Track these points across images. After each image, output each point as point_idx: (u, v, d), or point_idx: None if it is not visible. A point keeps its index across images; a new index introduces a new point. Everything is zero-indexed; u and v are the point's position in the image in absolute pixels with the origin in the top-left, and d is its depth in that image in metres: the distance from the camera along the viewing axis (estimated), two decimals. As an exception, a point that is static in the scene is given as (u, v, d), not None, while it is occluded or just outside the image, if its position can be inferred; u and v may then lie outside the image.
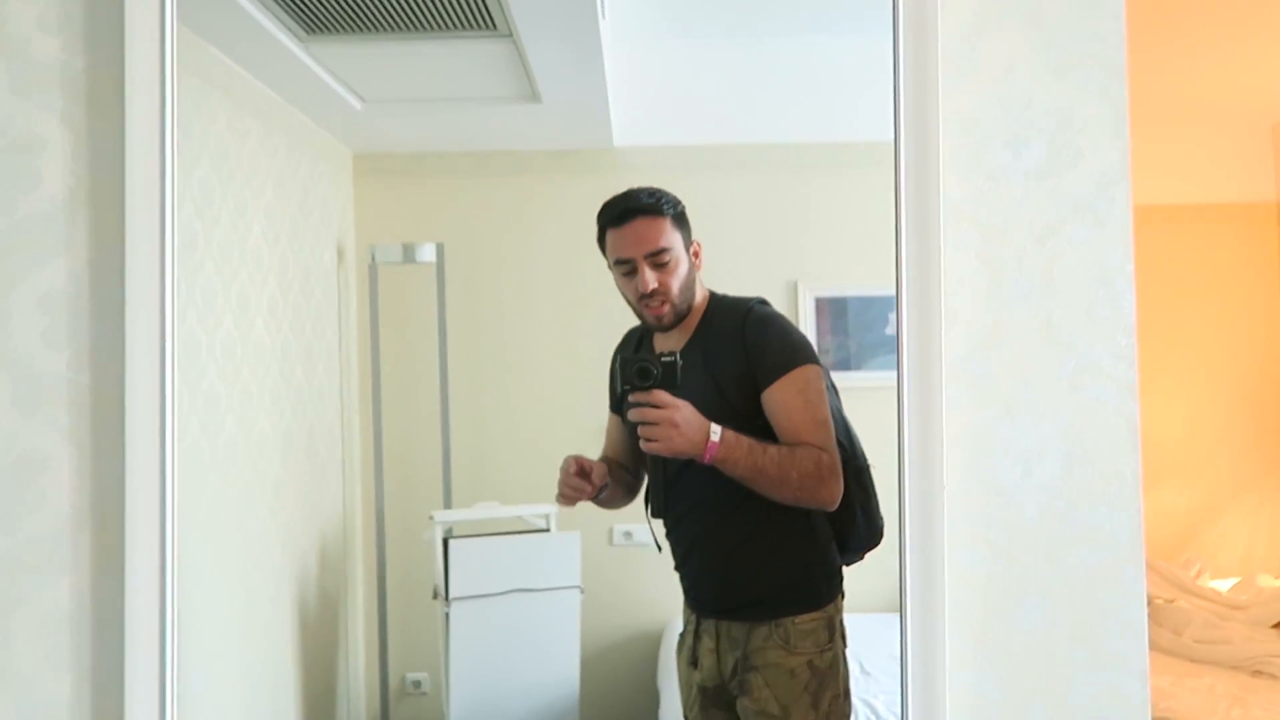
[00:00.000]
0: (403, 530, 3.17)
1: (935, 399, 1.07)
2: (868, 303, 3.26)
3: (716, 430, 1.50)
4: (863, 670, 2.71)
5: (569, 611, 2.86)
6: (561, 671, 2.86)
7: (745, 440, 1.52)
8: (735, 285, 3.56)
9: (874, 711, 2.47)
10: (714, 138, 3.14)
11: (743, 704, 1.65)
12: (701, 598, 1.71)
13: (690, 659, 1.73)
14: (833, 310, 3.31)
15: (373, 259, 2.97)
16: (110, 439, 1.07)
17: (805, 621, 1.64)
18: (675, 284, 1.66)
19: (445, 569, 2.80)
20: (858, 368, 3.29)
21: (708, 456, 1.49)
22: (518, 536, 2.85)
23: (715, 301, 1.75)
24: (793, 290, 3.29)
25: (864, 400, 3.33)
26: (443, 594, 2.81)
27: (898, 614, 3.43)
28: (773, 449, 1.54)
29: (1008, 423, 1.08)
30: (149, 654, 1.00)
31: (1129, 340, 1.05)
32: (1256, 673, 3.08)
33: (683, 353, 1.62)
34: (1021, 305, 1.09)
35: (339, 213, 3.16)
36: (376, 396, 3.19)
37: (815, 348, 3.66)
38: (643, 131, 3.14)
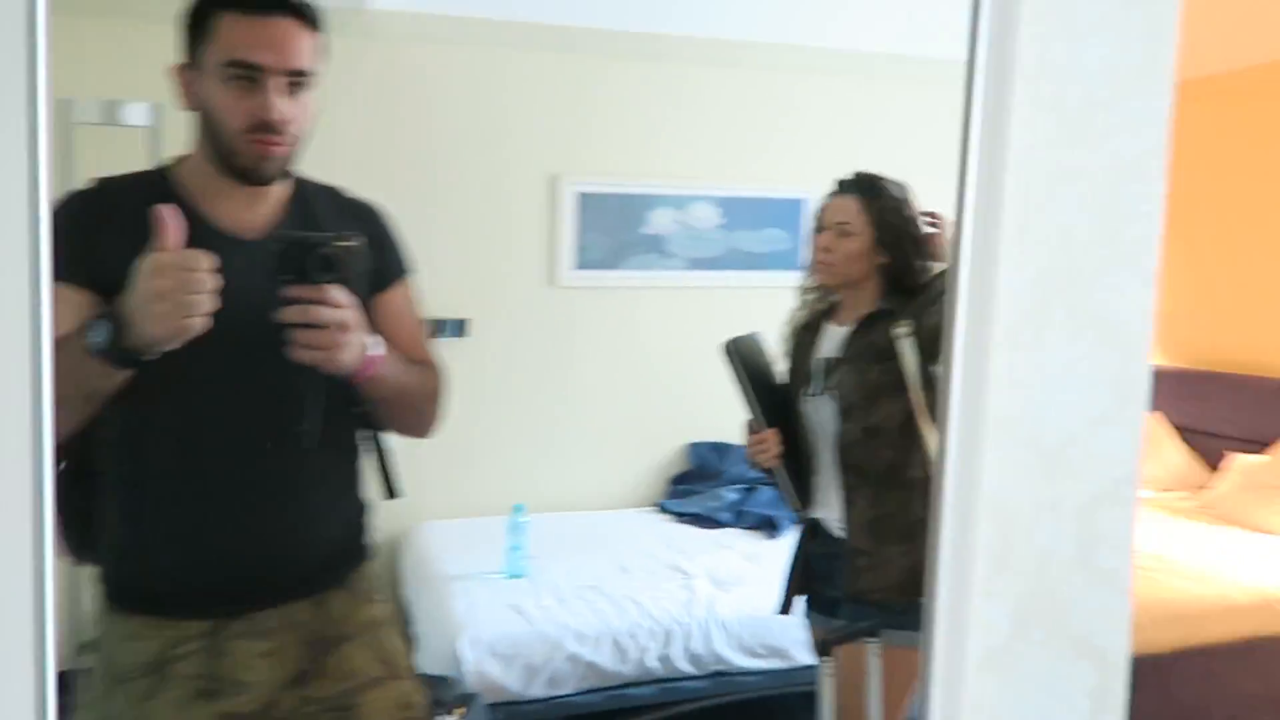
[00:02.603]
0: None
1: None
2: (628, 200, 3.31)
3: (375, 339, 1.18)
4: (622, 569, 2.81)
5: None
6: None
7: (393, 353, 1.22)
8: (490, 176, 3.41)
9: (639, 605, 2.57)
10: (482, 10, 2.95)
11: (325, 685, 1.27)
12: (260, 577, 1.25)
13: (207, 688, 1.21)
14: (594, 206, 3.30)
15: (66, 115, 2.40)
16: None
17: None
18: (304, 125, 1.18)
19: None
20: (614, 266, 3.35)
21: (366, 370, 1.16)
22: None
23: (301, 178, 1.29)
24: (552, 184, 3.24)
25: (622, 300, 3.39)
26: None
27: (647, 508, 3.54)
28: (413, 365, 1.28)
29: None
30: None
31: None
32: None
33: (272, 236, 1.18)
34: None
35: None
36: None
37: (576, 244, 3.45)
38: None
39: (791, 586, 1.87)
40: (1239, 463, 3.27)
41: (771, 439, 1.73)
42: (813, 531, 1.83)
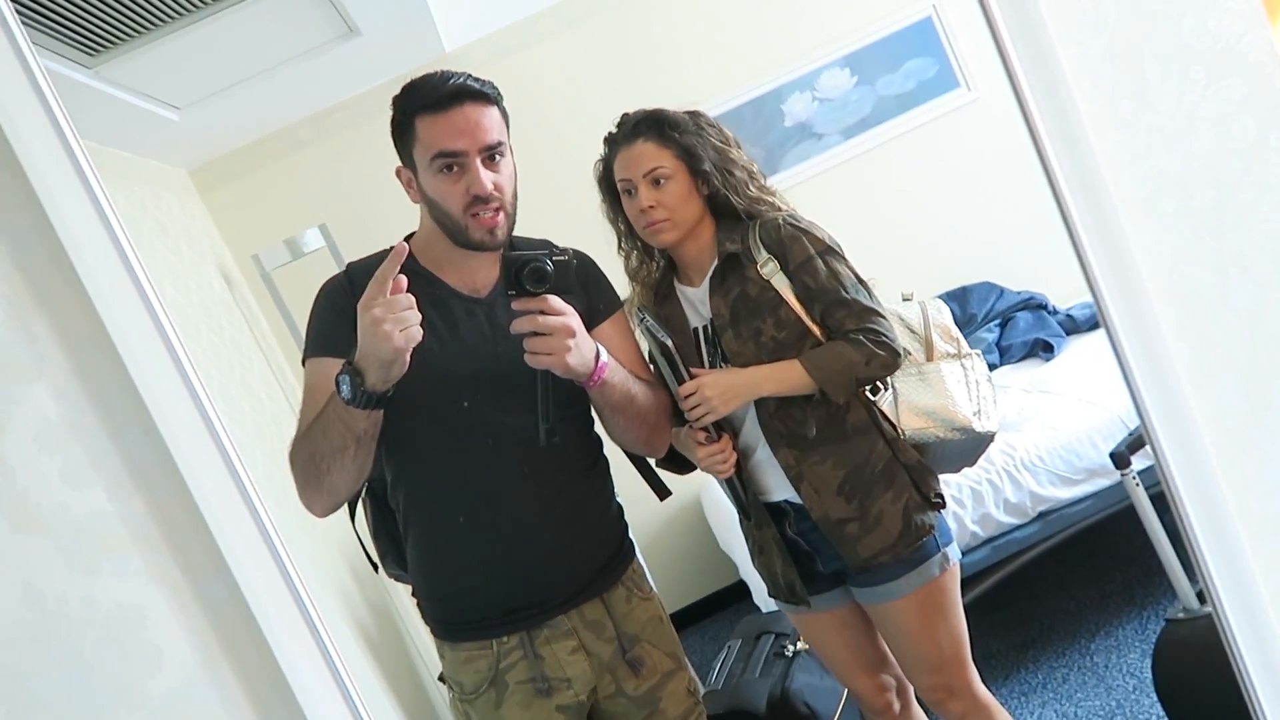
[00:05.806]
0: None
1: None
2: (758, 104, 3.19)
3: (600, 346, 1.31)
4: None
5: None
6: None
7: (619, 364, 1.36)
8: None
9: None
10: (538, 4, 2.95)
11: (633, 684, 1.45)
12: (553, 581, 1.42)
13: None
14: (731, 125, 3.22)
15: (261, 268, 2.69)
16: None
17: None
18: (510, 189, 1.33)
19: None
20: (774, 171, 3.24)
21: (598, 376, 1.29)
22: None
23: (514, 238, 1.42)
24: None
25: (800, 197, 3.30)
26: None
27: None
28: (639, 380, 1.41)
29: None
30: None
31: None
32: None
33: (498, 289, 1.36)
34: None
35: (203, 237, 2.82)
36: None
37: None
38: (470, 25, 2.93)
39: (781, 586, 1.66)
40: None
41: (728, 444, 1.52)
42: (777, 518, 1.62)
